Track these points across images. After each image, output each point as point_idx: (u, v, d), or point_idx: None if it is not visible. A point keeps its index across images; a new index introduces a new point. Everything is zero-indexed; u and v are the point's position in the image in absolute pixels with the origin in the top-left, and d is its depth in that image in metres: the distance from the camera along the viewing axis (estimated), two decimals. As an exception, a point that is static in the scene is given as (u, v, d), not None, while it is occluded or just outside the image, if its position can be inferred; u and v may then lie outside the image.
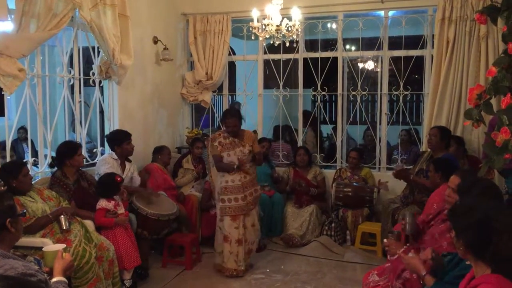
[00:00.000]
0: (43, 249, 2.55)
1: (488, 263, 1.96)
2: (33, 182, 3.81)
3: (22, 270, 1.97)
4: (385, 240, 3.10)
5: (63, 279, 2.29)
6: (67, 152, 4.11)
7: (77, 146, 4.23)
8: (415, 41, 5.86)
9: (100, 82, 5.07)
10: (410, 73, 5.93)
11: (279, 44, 4.98)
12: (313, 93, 6.30)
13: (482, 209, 2.03)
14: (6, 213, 2.17)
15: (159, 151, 5.42)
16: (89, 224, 3.89)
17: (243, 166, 4.55)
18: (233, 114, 4.66)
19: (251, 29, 4.72)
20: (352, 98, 6.30)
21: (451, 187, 2.94)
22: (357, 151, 5.92)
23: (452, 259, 2.54)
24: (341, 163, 6.19)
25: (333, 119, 6.91)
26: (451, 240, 2.70)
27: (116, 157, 4.67)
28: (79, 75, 4.82)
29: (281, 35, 4.62)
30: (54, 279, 2.26)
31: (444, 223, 2.94)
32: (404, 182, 5.03)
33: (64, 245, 2.60)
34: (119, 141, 4.68)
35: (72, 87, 4.82)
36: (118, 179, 4.18)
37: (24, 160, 4.33)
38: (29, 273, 1.97)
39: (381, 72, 6.03)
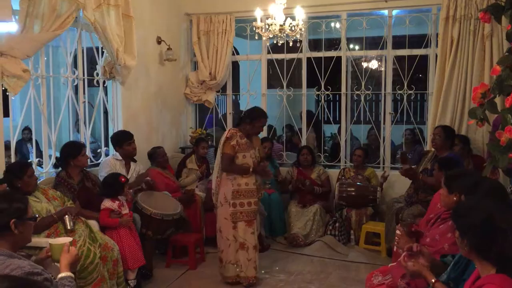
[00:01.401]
0: (49, 241, 2.51)
1: (493, 263, 1.95)
2: (38, 182, 3.82)
3: (28, 269, 1.99)
4: (397, 231, 3.01)
5: (69, 274, 2.27)
6: (71, 153, 4.12)
7: (81, 146, 4.24)
8: (419, 40, 5.85)
9: (104, 82, 5.08)
10: (414, 72, 5.91)
11: (282, 44, 4.99)
12: (317, 92, 6.29)
13: (486, 208, 2.02)
14: (12, 214, 2.17)
15: (152, 156, 5.30)
16: (94, 224, 3.90)
17: (256, 168, 4.33)
18: (266, 115, 4.45)
19: (254, 28, 4.73)
20: (356, 98, 6.30)
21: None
22: (362, 149, 5.92)
23: (457, 263, 2.51)
24: (345, 162, 6.18)
25: (337, 119, 6.89)
26: (452, 241, 2.70)
27: (120, 157, 4.69)
28: (83, 75, 4.84)
29: (284, 34, 4.62)
30: (60, 275, 2.24)
31: (444, 223, 2.92)
32: (410, 180, 5.00)
33: (70, 239, 2.56)
34: (120, 142, 4.70)
35: (76, 88, 4.84)
36: (122, 179, 4.19)
37: (29, 161, 4.35)
38: (35, 272, 2.00)
39: (385, 71, 6.01)
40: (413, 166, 4.99)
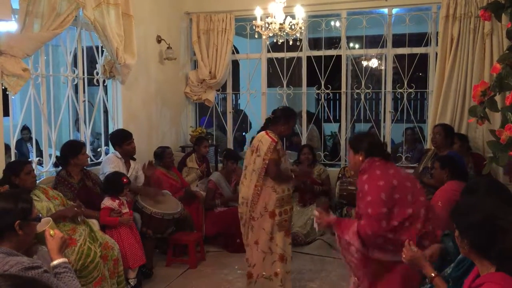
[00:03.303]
0: None
1: (493, 261, 1.94)
2: (38, 181, 3.82)
3: (28, 264, 1.99)
4: (315, 212, 2.97)
5: (62, 260, 2.22)
6: (71, 151, 4.12)
7: (81, 145, 4.24)
8: (419, 39, 5.85)
9: (104, 81, 5.08)
10: (414, 71, 5.91)
11: (282, 43, 4.99)
12: (317, 91, 6.29)
13: (485, 207, 2.02)
14: (17, 214, 2.15)
15: (160, 156, 5.27)
16: (94, 223, 3.90)
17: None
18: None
19: (254, 27, 4.74)
20: (356, 96, 6.30)
21: None
22: None
23: (460, 263, 2.51)
24: (345, 161, 6.18)
25: (337, 118, 6.89)
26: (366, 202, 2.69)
27: (120, 156, 4.69)
28: (83, 74, 4.84)
29: (284, 33, 4.63)
30: (52, 263, 2.20)
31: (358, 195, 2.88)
32: None
33: (50, 219, 2.39)
34: (119, 141, 4.70)
35: (76, 87, 4.84)
36: (125, 180, 4.19)
37: (29, 160, 4.35)
38: (35, 266, 2.00)
39: (385, 70, 6.01)
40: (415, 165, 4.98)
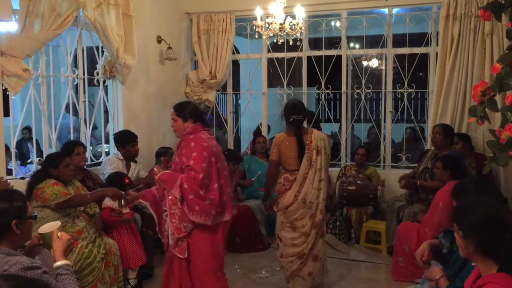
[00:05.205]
0: (38, 231, 2.37)
1: (497, 261, 1.93)
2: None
3: (27, 263, 1.99)
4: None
5: (65, 262, 2.23)
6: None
7: (74, 145, 4.18)
8: (420, 39, 5.85)
9: (104, 81, 5.09)
10: (414, 71, 5.91)
11: (282, 43, 4.99)
12: (317, 91, 6.29)
13: (489, 206, 2.02)
14: (13, 214, 2.15)
15: (163, 156, 5.22)
16: (112, 243, 3.87)
17: None
18: None
19: (254, 27, 4.74)
20: (356, 96, 6.30)
21: None
22: (364, 148, 5.91)
23: (455, 261, 2.52)
24: (346, 161, 6.18)
25: (338, 118, 6.89)
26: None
27: (121, 157, 4.68)
28: (83, 75, 4.84)
29: (284, 33, 4.63)
30: (55, 264, 2.21)
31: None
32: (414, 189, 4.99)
33: (59, 223, 2.44)
34: (123, 143, 4.69)
35: (76, 87, 4.84)
36: (126, 181, 4.19)
37: (29, 160, 4.35)
38: (34, 266, 2.00)
39: (386, 70, 6.01)
40: (414, 167, 4.98)
